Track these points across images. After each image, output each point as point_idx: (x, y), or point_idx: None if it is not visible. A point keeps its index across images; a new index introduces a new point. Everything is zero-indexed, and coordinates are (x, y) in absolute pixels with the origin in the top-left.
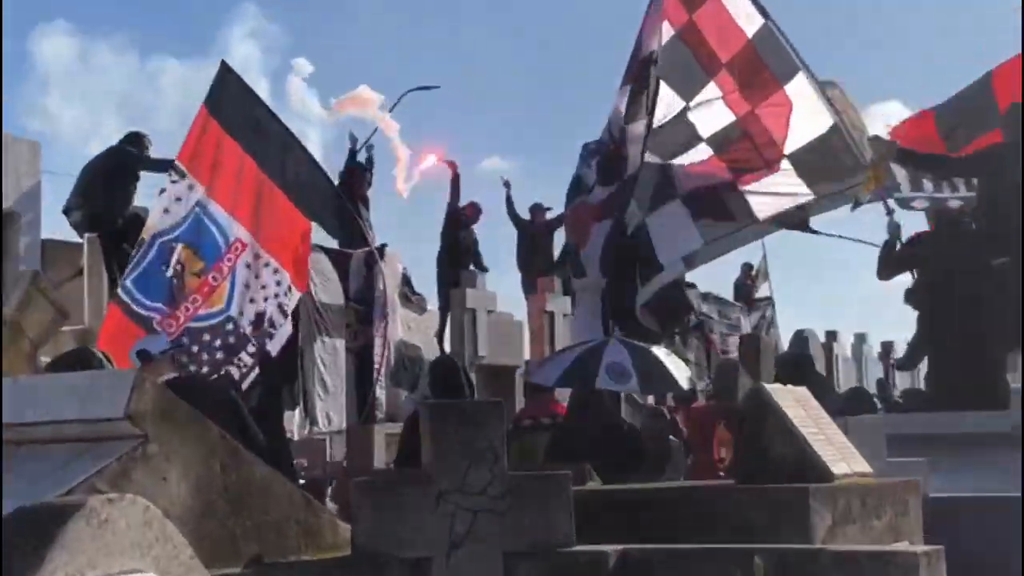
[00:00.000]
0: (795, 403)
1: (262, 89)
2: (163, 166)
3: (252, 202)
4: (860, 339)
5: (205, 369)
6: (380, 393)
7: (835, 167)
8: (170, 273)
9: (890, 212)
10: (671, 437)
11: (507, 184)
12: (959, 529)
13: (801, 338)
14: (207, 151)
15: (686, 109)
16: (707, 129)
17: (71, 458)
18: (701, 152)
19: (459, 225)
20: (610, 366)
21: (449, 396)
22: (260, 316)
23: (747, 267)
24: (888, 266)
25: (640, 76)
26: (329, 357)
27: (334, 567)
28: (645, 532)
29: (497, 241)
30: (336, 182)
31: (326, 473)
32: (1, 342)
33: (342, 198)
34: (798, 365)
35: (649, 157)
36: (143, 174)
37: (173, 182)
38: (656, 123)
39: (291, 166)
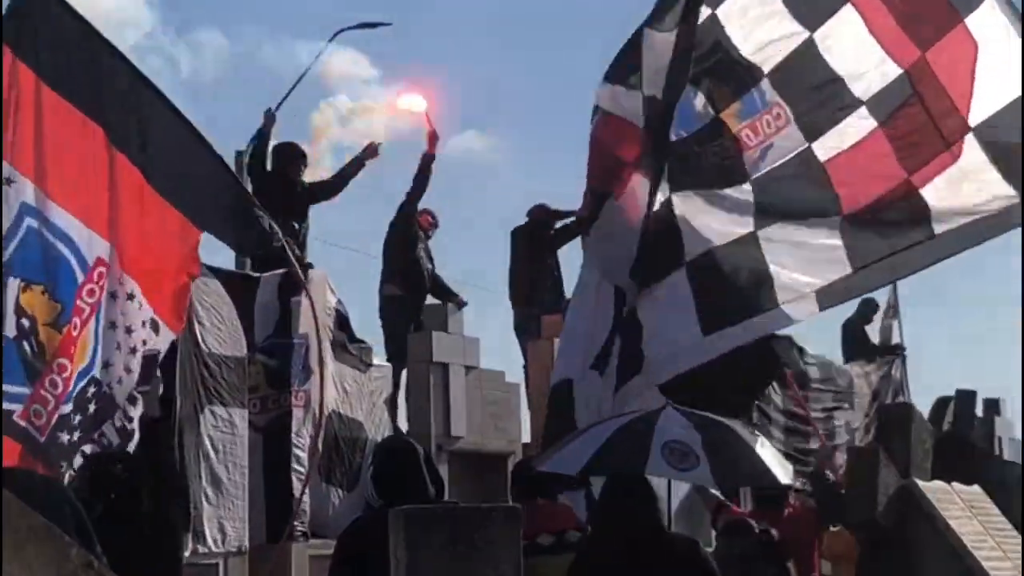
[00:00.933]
0: (964, 508)
1: None
2: None
3: (104, 195)
4: (993, 405)
5: (63, 463)
6: (303, 496)
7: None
8: (13, 333)
9: None
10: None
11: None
12: None
13: (965, 404)
14: (25, 120)
15: (811, 41)
16: (864, 85)
17: None
18: (864, 126)
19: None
20: (667, 445)
21: (403, 499)
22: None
23: (868, 303)
24: None
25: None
26: (223, 437)
27: None
28: None
29: (482, 261)
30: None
31: None
32: None
33: (239, 185)
34: (963, 449)
35: (795, 131)
36: None
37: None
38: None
39: (156, 134)
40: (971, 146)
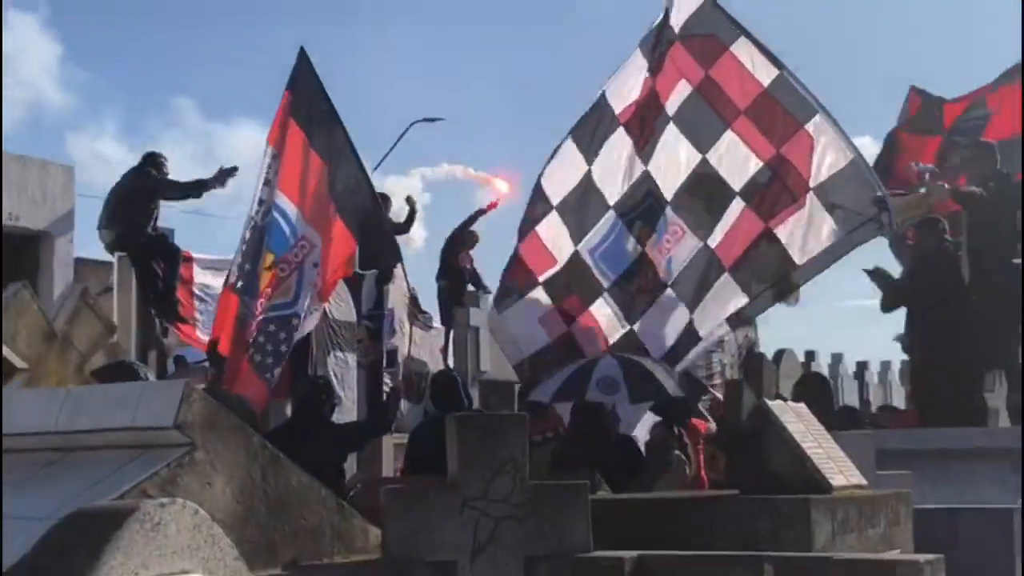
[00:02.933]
0: (797, 419)
1: None
2: (181, 190)
3: (314, 204)
4: (836, 359)
5: (269, 360)
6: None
7: (859, 199)
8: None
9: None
10: (676, 452)
11: None
12: (943, 537)
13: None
14: (292, 154)
15: (705, 160)
16: (737, 180)
17: (122, 464)
18: (734, 211)
19: (462, 250)
20: (601, 380)
21: (449, 408)
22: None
23: None
24: (889, 300)
25: (635, 119)
26: (341, 371)
27: (365, 570)
28: (657, 538)
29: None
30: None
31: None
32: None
33: (384, 221)
34: (817, 385)
35: (690, 238)
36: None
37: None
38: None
39: (342, 177)
40: (811, 197)
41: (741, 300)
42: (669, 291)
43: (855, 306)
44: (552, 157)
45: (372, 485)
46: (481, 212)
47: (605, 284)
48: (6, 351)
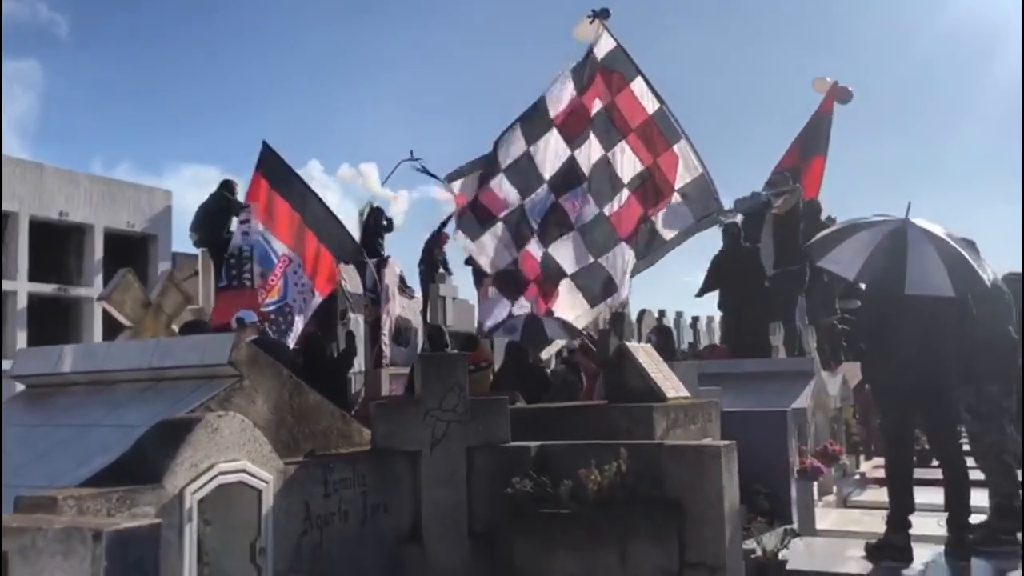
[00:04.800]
0: (644, 354)
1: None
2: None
3: (295, 238)
4: (679, 315)
5: (282, 331)
6: (386, 349)
7: (705, 200)
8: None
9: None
10: (571, 378)
11: None
12: (740, 430)
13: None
14: (261, 201)
15: (606, 157)
16: (627, 175)
17: (194, 389)
18: (624, 194)
19: (437, 246)
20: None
21: (436, 348)
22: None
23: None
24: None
25: (571, 128)
26: (355, 327)
27: (360, 457)
28: (553, 433)
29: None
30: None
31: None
32: None
33: (354, 241)
34: (666, 333)
35: (592, 204)
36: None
37: (244, 219)
38: (590, 163)
39: (322, 221)
40: (675, 196)
41: (630, 264)
42: (576, 233)
43: (692, 280)
44: (505, 133)
45: (366, 401)
46: (447, 219)
47: (535, 227)
48: (117, 313)
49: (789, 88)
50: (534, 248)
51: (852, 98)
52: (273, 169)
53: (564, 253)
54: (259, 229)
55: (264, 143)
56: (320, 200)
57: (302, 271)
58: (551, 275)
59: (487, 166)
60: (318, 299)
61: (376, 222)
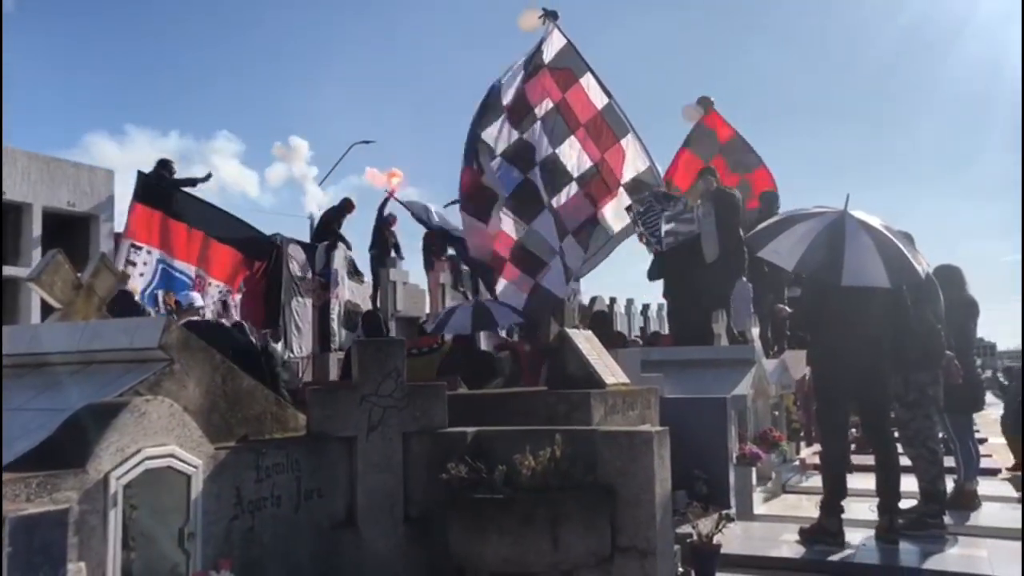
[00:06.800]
0: (585, 340)
1: None
2: (187, 182)
3: (198, 254)
4: (629, 302)
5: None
6: (335, 333)
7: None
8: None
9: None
10: (512, 365)
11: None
12: (680, 417)
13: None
14: (154, 228)
15: (555, 153)
16: (576, 169)
17: (124, 373)
18: (573, 188)
19: (386, 228)
20: (455, 322)
21: (372, 335)
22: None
23: None
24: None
25: (515, 115)
26: (302, 310)
27: (294, 442)
28: (491, 419)
29: (411, 238)
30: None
31: (299, 383)
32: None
33: (253, 229)
34: (604, 319)
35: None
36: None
37: (134, 255)
38: (539, 157)
39: (218, 223)
40: (621, 189)
41: (580, 259)
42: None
43: (642, 269)
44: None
45: (303, 387)
46: (387, 198)
47: (504, 194)
48: (46, 295)
49: (748, 81)
50: (509, 228)
51: (711, 102)
52: (157, 196)
53: (547, 228)
54: (156, 257)
55: (139, 172)
56: (217, 208)
57: (213, 282)
58: (533, 252)
59: (470, 156)
60: (238, 295)
61: (340, 207)
